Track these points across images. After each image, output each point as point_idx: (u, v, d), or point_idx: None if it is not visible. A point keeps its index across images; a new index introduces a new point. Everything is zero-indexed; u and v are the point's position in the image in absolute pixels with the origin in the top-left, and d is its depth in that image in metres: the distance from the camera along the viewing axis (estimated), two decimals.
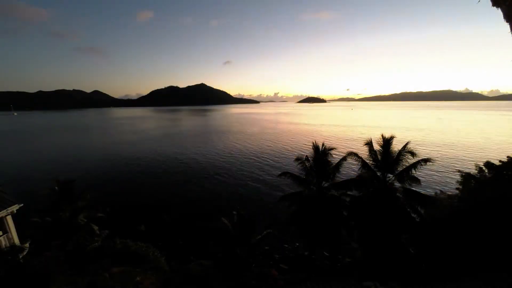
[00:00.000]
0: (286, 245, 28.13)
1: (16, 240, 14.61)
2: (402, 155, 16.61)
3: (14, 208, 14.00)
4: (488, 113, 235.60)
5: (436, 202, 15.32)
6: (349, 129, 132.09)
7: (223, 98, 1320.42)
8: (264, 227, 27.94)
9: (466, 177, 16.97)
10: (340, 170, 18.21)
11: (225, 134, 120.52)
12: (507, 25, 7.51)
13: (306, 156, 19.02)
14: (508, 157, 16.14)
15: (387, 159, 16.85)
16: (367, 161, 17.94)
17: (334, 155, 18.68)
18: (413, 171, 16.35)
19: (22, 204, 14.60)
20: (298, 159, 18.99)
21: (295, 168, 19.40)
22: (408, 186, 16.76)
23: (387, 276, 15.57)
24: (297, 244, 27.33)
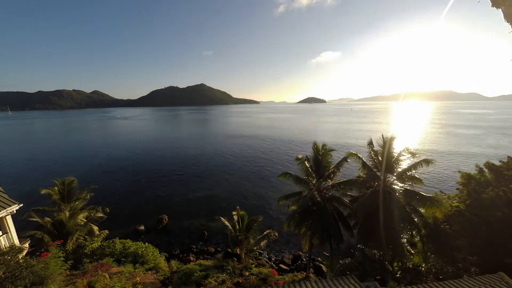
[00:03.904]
0: (286, 245, 28.15)
1: (16, 240, 14.61)
2: (402, 156, 16.59)
3: (14, 208, 13.99)
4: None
5: (436, 203, 15.28)
6: (349, 128, 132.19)
7: (223, 98, 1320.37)
8: (264, 227, 28.02)
9: (466, 178, 16.94)
10: (340, 170, 18.21)
11: (224, 134, 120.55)
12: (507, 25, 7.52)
13: (306, 156, 19.01)
14: (508, 157, 16.13)
15: (387, 159, 16.83)
16: (367, 162, 17.93)
17: (334, 155, 18.67)
18: (413, 172, 16.35)
19: (22, 204, 14.59)
20: (298, 159, 18.98)
21: (296, 168, 19.39)
22: (408, 187, 16.75)
23: (387, 276, 15.56)
24: (297, 244, 27.32)
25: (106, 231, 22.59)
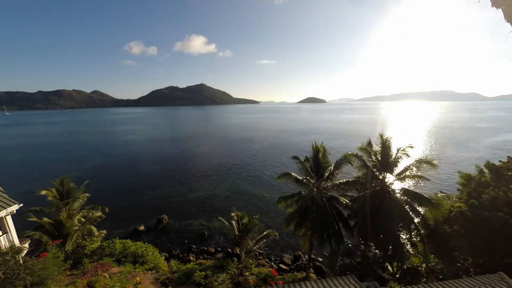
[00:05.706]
0: (286, 245, 28.13)
1: (16, 240, 14.61)
2: (401, 156, 16.60)
3: (14, 208, 13.99)
4: None
5: (435, 203, 15.28)
6: (349, 128, 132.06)
7: (224, 98, 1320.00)
8: (264, 227, 28.03)
9: (466, 178, 16.93)
10: (340, 170, 18.16)
11: (224, 134, 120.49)
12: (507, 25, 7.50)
13: (306, 156, 18.98)
14: (508, 157, 16.13)
15: (386, 159, 16.83)
16: (367, 162, 17.93)
17: (333, 156, 18.65)
18: (413, 171, 16.34)
19: (22, 204, 14.60)
20: (296, 158, 18.96)
21: (295, 169, 19.37)
22: (407, 186, 16.76)
23: (387, 276, 15.57)
24: (297, 244, 27.31)
25: (105, 231, 22.56)
